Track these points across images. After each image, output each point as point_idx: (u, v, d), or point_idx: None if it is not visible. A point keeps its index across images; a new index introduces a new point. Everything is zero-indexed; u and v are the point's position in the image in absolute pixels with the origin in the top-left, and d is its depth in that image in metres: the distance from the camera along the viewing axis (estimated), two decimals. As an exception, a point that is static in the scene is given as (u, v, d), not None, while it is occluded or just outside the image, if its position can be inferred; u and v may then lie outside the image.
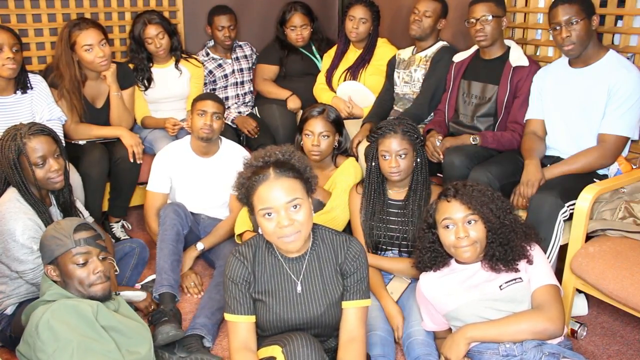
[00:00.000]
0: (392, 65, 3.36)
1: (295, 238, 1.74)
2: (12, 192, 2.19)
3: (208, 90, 3.68)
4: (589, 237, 2.31)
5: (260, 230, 1.84)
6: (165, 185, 2.94)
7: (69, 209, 2.38)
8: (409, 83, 3.25)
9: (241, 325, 1.83)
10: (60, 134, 2.86)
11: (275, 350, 1.71)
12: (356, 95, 3.44)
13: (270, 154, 1.79)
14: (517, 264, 1.98)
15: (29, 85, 2.82)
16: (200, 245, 2.83)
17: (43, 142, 2.20)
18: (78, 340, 1.69)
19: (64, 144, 2.83)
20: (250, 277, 1.86)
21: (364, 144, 2.87)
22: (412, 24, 3.17)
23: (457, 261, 2.08)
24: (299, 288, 1.86)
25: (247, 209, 1.85)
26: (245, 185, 1.78)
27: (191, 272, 2.78)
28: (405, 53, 3.32)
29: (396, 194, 2.50)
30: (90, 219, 2.49)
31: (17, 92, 2.79)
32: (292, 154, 1.81)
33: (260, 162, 1.78)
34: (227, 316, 1.86)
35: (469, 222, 1.98)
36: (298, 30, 3.68)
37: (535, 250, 2.02)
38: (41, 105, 2.83)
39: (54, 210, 2.34)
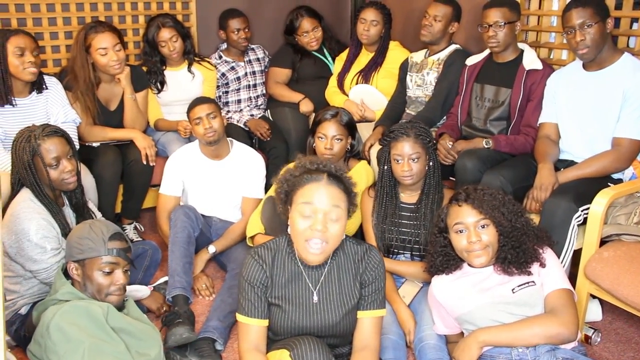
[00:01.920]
0: (404, 68, 3.36)
1: (320, 250, 1.73)
2: (26, 193, 2.22)
3: (221, 93, 3.70)
4: (603, 242, 2.29)
5: (289, 229, 1.82)
6: (177, 188, 2.95)
7: (81, 210, 2.40)
8: (422, 86, 3.24)
9: (253, 328, 1.83)
10: (75, 136, 2.89)
11: (283, 354, 1.70)
12: (368, 98, 3.44)
13: (325, 164, 1.81)
14: (530, 267, 1.97)
15: (44, 86, 2.84)
16: (212, 248, 2.84)
17: (57, 143, 2.22)
18: (89, 341, 1.70)
19: (78, 146, 2.87)
20: (268, 281, 1.84)
21: (376, 147, 2.87)
22: (422, 29, 3.16)
23: (469, 264, 2.07)
24: (315, 298, 1.84)
25: (279, 201, 1.85)
26: (291, 181, 1.79)
27: (202, 275, 2.79)
28: (418, 56, 3.31)
29: (408, 197, 2.49)
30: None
31: (33, 92, 2.82)
32: (345, 172, 1.83)
33: (314, 166, 1.79)
34: (240, 317, 1.85)
35: (481, 227, 1.97)
36: (311, 34, 3.69)
37: (547, 254, 2.01)
38: (56, 107, 2.86)
39: (67, 211, 2.36)
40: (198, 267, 2.79)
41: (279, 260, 1.86)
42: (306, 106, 3.64)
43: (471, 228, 1.97)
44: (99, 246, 1.88)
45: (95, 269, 1.87)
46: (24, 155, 2.18)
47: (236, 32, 3.61)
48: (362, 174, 2.73)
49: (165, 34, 3.32)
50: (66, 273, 1.95)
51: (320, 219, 1.71)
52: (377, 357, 1.86)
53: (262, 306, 1.84)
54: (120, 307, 1.93)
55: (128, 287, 2.27)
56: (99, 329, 1.75)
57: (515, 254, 1.97)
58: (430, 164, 2.42)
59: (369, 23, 3.43)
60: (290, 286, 1.85)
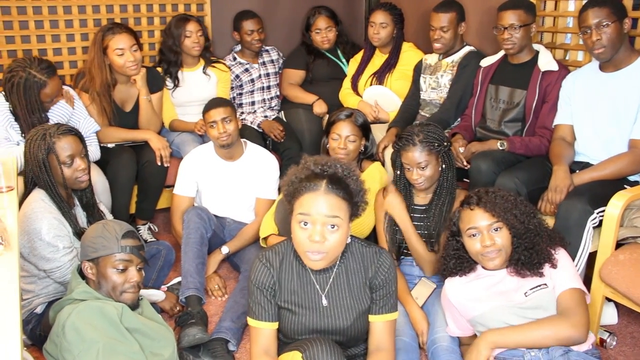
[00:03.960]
0: (418, 70, 3.35)
1: (321, 258, 1.72)
2: (38, 193, 2.24)
3: (235, 95, 3.71)
4: (618, 245, 2.27)
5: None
6: (191, 189, 2.97)
7: (91, 209, 2.43)
8: (436, 89, 3.22)
9: (263, 332, 1.83)
10: (97, 148, 2.96)
11: (295, 356, 1.70)
12: (382, 99, 3.44)
13: (331, 164, 1.76)
14: (542, 268, 1.96)
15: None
16: (225, 249, 2.85)
17: (71, 141, 2.25)
18: (104, 341, 1.71)
19: (99, 156, 2.94)
20: (276, 286, 1.83)
21: (390, 149, 2.86)
22: (434, 42, 3.13)
23: (483, 267, 2.06)
24: (324, 302, 1.84)
25: (287, 202, 1.84)
26: (294, 186, 1.76)
27: (215, 275, 2.81)
28: (432, 58, 3.30)
29: (422, 199, 2.49)
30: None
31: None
32: (352, 172, 1.78)
33: (318, 169, 1.75)
34: (250, 321, 1.85)
35: (494, 230, 1.96)
36: (323, 32, 3.70)
37: (560, 254, 1.99)
38: (77, 123, 2.87)
39: (78, 211, 2.39)
40: (211, 267, 2.81)
41: (286, 263, 1.85)
42: (320, 107, 3.64)
43: (484, 232, 1.96)
44: (112, 244, 1.89)
45: (109, 267, 1.89)
46: (39, 153, 2.20)
47: (249, 34, 3.63)
48: (375, 175, 2.72)
49: (192, 26, 3.36)
50: (82, 273, 1.97)
51: (318, 230, 1.68)
52: (393, 357, 1.85)
53: (272, 309, 1.83)
54: (135, 306, 1.95)
55: (144, 292, 2.29)
56: (114, 328, 1.76)
57: (528, 255, 1.95)
58: (443, 166, 2.40)
59: (378, 26, 3.42)
60: (299, 290, 1.84)
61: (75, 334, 1.71)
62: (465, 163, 2.69)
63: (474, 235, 1.98)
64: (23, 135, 2.68)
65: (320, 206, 1.68)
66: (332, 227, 1.70)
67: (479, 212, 1.97)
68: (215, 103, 2.92)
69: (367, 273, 1.85)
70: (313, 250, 1.70)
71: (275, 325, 1.84)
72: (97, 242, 1.90)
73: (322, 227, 1.69)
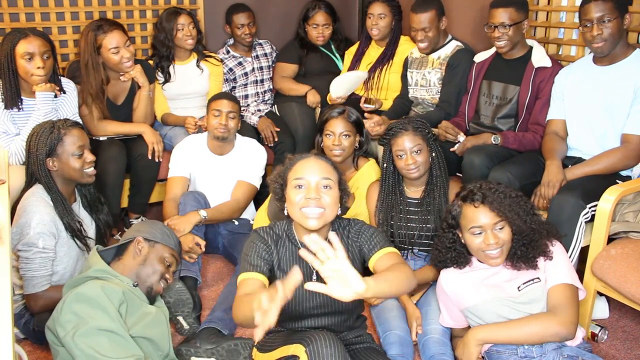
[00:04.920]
0: (405, 65, 3.34)
1: (317, 215, 1.76)
2: (37, 188, 2.25)
3: (228, 88, 3.70)
4: (610, 239, 2.28)
5: (286, 211, 1.85)
6: (185, 169, 2.93)
7: (96, 205, 2.48)
8: (425, 87, 3.21)
9: (250, 281, 1.77)
10: None
11: (298, 349, 1.70)
12: (349, 85, 3.38)
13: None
14: (537, 261, 1.96)
15: (61, 91, 2.78)
16: (203, 213, 2.70)
17: (80, 133, 2.31)
18: (90, 318, 1.75)
19: None
20: (270, 252, 1.85)
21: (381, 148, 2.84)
22: (419, 43, 3.13)
23: (480, 261, 2.06)
24: (314, 276, 1.85)
25: (276, 199, 1.89)
26: (285, 167, 1.86)
27: (190, 234, 2.62)
28: (418, 52, 3.29)
29: (414, 192, 2.50)
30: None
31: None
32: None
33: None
34: (240, 276, 1.80)
35: (498, 228, 1.95)
36: (320, 28, 3.68)
37: (556, 247, 1.99)
38: (65, 110, 2.83)
39: (79, 208, 2.40)
40: (186, 228, 2.63)
41: (280, 242, 1.89)
42: (314, 97, 3.62)
43: (488, 230, 1.95)
44: (172, 241, 2.11)
45: (160, 255, 2.06)
46: (43, 148, 2.22)
47: (240, 28, 3.61)
48: (371, 175, 2.72)
49: (184, 19, 3.35)
50: (101, 253, 2.03)
51: (313, 188, 1.77)
52: (410, 270, 1.79)
53: (261, 263, 1.81)
54: (153, 300, 2.05)
55: None
56: (101, 309, 1.78)
57: (525, 250, 1.96)
58: (433, 154, 2.43)
59: (377, 17, 3.41)
60: (292, 265, 1.85)
61: (70, 309, 1.75)
62: (457, 139, 2.72)
63: (478, 233, 1.97)
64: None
65: (312, 169, 1.80)
66: (326, 188, 1.79)
67: (484, 210, 1.95)
68: (226, 95, 2.96)
69: (349, 244, 1.90)
70: (310, 206, 1.75)
71: (263, 277, 1.80)
72: (160, 232, 2.10)
73: (316, 186, 1.78)
